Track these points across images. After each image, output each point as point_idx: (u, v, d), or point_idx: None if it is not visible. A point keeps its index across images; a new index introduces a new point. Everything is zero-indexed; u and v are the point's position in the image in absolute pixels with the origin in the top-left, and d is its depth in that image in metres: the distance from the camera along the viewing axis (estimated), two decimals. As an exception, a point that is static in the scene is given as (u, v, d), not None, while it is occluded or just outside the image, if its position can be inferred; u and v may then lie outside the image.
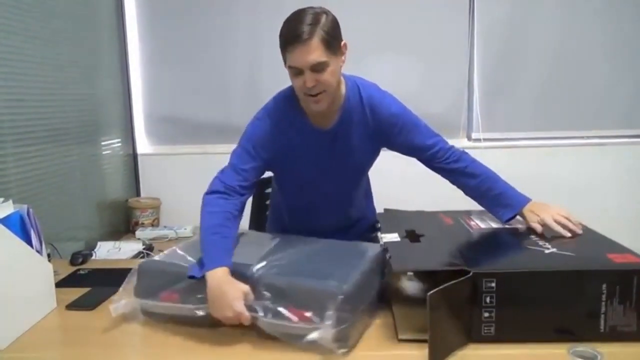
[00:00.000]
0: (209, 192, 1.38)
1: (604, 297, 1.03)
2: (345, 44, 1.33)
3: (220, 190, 1.37)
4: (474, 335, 1.05)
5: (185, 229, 2.75)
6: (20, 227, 1.22)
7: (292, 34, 1.25)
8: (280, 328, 1.06)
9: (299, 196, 1.59)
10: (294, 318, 1.04)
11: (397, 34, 2.88)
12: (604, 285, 1.03)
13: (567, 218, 1.32)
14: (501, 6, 2.84)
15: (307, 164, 1.47)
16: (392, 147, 1.50)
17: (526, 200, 1.43)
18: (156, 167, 3.05)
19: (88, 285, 1.42)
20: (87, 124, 2.53)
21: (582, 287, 1.04)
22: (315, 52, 1.24)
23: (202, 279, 1.13)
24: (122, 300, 1.19)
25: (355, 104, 1.43)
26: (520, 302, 1.04)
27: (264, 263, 1.18)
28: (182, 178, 3.02)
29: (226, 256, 1.20)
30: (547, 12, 2.83)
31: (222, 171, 1.42)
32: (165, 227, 2.80)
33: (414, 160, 1.52)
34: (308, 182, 1.52)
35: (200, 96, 2.98)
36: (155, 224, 2.89)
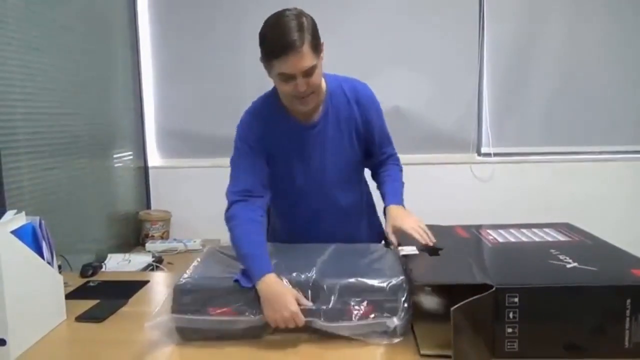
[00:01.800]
0: (227, 209, 1.38)
1: (628, 312, 1.01)
2: (323, 43, 1.33)
3: (235, 200, 1.37)
4: (497, 352, 1.03)
5: (195, 241, 2.76)
6: (32, 239, 1.23)
7: (282, 43, 1.24)
8: (343, 327, 1.12)
9: (295, 207, 1.54)
10: (360, 313, 1.12)
11: (408, 50, 2.90)
12: (628, 301, 1.01)
13: (423, 230, 1.34)
14: (510, 22, 2.85)
15: (298, 162, 1.46)
16: (367, 131, 1.50)
17: (393, 202, 1.47)
18: (167, 180, 3.07)
19: (98, 297, 1.42)
20: (100, 138, 2.56)
21: (606, 302, 1.02)
22: (306, 58, 1.25)
23: (253, 289, 1.15)
24: (159, 318, 1.16)
25: (338, 95, 1.45)
26: (543, 317, 1.02)
27: (316, 268, 1.22)
28: (192, 191, 3.04)
29: (267, 263, 1.20)
30: (556, 28, 2.84)
31: (229, 184, 1.42)
32: (175, 239, 2.82)
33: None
34: (302, 186, 1.48)
35: (211, 110, 3.01)
36: (165, 236, 2.90)
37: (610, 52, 2.82)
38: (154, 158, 3.10)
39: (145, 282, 1.56)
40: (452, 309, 0.95)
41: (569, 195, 2.82)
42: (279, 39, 1.24)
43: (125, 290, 1.48)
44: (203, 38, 2.98)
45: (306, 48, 1.25)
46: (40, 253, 1.23)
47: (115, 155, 2.74)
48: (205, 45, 2.98)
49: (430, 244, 1.30)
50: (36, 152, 2.02)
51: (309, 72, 1.28)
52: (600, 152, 2.87)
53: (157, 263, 2.25)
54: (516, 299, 1.02)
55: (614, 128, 2.86)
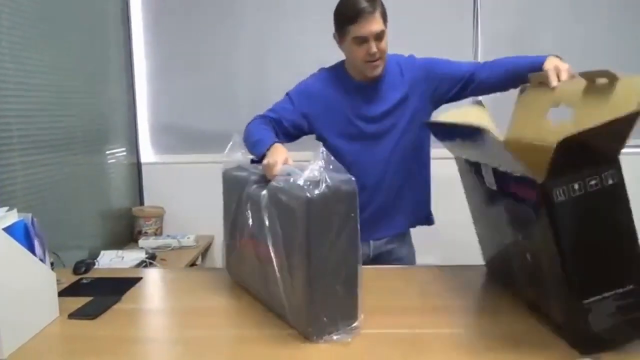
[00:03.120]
0: (253, 119, 1.62)
1: None
2: (387, 21, 1.57)
3: (257, 117, 1.62)
4: None
5: (189, 237, 2.75)
6: (24, 236, 1.22)
7: (357, 9, 1.49)
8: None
9: (349, 158, 1.62)
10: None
11: (402, 45, 2.88)
12: None
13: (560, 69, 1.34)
14: (505, 18, 2.86)
15: (353, 112, 1.64)
16: (438, 89, 1.66)
17: (540, 59, 1.48)
18: (160, 176, 3.06)
19: (91, 294, 1.41)
20: (93, 133, 2.55)
21: None
22: (377, 22, 1.51)
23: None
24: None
25: (393, 72, 1.67)
26: None
27: None
28: (185, 187, 3.03)
29: (275, 138, 1.43)
30: (550, 24, 2.85)
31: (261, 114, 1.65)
32: (168, 236, 2.81)
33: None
34: (357, 136, 1.64)
35: (205, 105, 3.00)
36: (158, 232, 2.90)
37: (604, 49, 2.83)
38: (147, 154, 3.09)
39: (139, 279, 1.55)
40: None
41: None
42: (354, 7, 1.50)
43: (118, 287, 1.48)
44: (196, 33, 2.96)
45: (377, 14, 1.50)
46: (32, 250, 1.22)
47: (108, 152, 2.72)
48: (198, 40, 2.97)
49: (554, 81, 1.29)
50: (28, 149, 2.01)
51: (379, 36, 1.52)
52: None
53: (151, 259, 2.25)
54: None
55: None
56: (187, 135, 3.03)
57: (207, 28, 2.95)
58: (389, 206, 1.72)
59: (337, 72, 1.68)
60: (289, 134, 1.64)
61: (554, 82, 1.28)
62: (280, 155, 1.25)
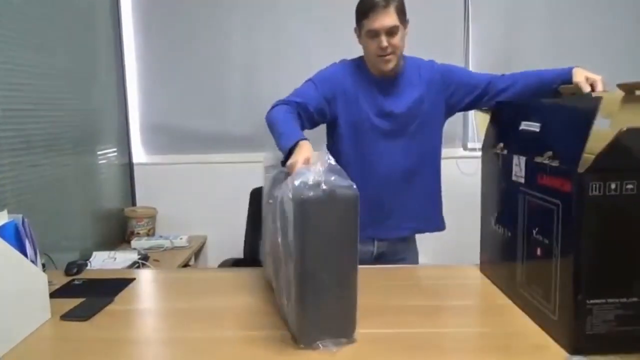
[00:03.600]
0: (276, 103, 1.59)
1: None
2: (408, 20, 1.60)
3: (279, 103, 1.58)
4: None
5: (181, 238, 2.74)
6: (15, 237, 1.21)
7: (371, 3, 1.51)
8: None
9: (358, 151, 1.65)
10: None
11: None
12: None
13: (595, 80, 1.40)
14: (495, 20, 2.88)
15: (368, 104, 1.64)
16: (454, 96, 1.68)
17: (565, 71, 1.53)
18: (152, 177, 3.04)
19: (83, 295, 1.40)
20: (84, 134, 2.53)
21: None
22: (390, 17, 1.52)
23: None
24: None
25: (412, 69, 1.69)
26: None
27: None
28: (178, 187, 3.02)
29: (299, 133, 1.39)
30: (541, 25, 2.87)
31: (286, 97, 1.62)
32: (161, 236, 2.80)
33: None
34: (369, 129, 1.64)
35: (196, 106, 2.99)
36: (150, 233, 2.88)
37: (595, 50, 2.85)
38: (139, 154, 3.07)
39: (132, 280, 1.54)
40: None
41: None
42: (369, 1, 1.52)
43: (111, 288, 1.47)
44: (188, 33, 2.95)
45: (391, 10, 1.51)
46: (23, 252, 1.21)
47: (99, 152, 2.70)
48: (190, 40, 2.95)
49: (587, 89, 1.34)
50: (18, 149, 1.99)
51: (391, 32, 1.53)
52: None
53: (143, 260, 2.24)
54: None
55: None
56: (179, 135, 3.02)
57: (198, 29, 2.94)
58: (395, 208, 1.70)
59: (357, 64, 1.70)
60: (313, 120, 1.63)
61: (587, 89, 1.33)
62: (302, 155, 1.24)
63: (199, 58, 2.96)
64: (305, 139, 1.34)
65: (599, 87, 1.32)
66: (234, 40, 2.93)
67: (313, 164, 1.07)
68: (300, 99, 1.59)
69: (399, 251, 1.79)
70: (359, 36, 1.63)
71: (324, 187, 1.01)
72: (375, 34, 1.54)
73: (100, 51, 2.76)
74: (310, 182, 1.01)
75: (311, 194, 1.01)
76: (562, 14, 2.87)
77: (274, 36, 2.91)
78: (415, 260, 1.85)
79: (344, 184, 1.03)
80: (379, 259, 1.75)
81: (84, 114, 2.55)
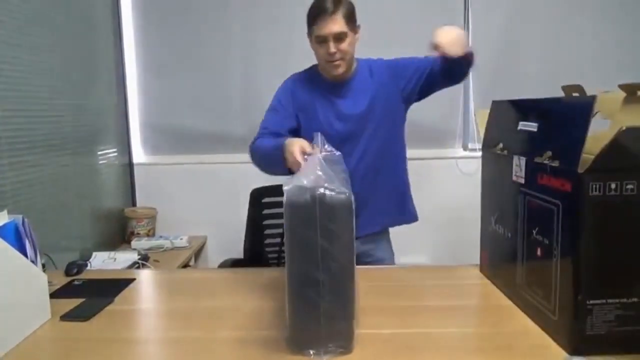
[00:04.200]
0: (252, 143, 1.63)
1: None
2: (359, 26, 1.62)
3: (254, 141, 1.62)
4: None
5: (182, 238, 2.74)
6: (15, 237, 1.21)
7: (319, 8, 1.53)
8: None
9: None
10: None
11: (394, 44, 2.90)
12: None
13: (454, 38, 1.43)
14: (496, 17, 2.87)
15: (326, 110, 1.67)
16: (407, 87, 1.70)
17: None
18: (152, 177, 3.04)
19: (83, 295, 1.40)
20: (84, 134, 2.53)
21: None
22: (338, 23, 1.53)
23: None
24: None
25: (364, 72, 1.71)
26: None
27: None
28: (178, 188, 3.02)
29: (283, 138, 1.44)
30: (542, 23, 2.87)
31: (258, 131, 1.66)
32: (161, 236, 2.80)
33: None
34: (330, 134, 1.59)
35: (197, 106, 2.99)
36: (151, 233, 2.88)
37: (597, 47, 2.86)
38: (139, 155, 3.07)
39: (132, 280, 1.54)
40: None
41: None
42: (317, 7, 1.55)
43: (111, 288, 1.47)
44: (188, 33, 2.95)
45: (339, 16, 1.53)
46: (23, 252, 1.21)
47: (99, 152, 2.70)
48: (190, 41, 2.96)
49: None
50: (18, 150, 1.99)
51: (339, 37, 1.55)
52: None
53: (143, 261, 2.24)
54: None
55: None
56: (180, 136, 3.02)
57: (198, 28, 2.94)
58: (363, 207, 1.68)
59: (309, 74, 1.73)
60: (292, 123, 1.69)
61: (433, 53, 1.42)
62: (295, 147, 1.29)
63: (200, 59, 2.96)
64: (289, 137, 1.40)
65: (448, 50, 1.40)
66: (235, 40, 2.93)
67: (314, 154, 1.06)
68: (272, 128, 1.64)
69: (372, 251, 1.80)
70: (310, 41, 1.64)
71: (317, 191, 0.99)
72: (323, 40, 1.56)
73: (101, 52, 2.76)
74: (304, 186, 1.00)
75: (302, 198, 0.99)
76: (562, 14, 2.86)
77: (275, 37, 2.91)
78: (391, 260, 1.87)
79: (338, 189, 1.00)
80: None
81: (85, 114, 2.55)
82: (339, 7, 1.53)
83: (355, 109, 1.68)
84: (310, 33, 1.61)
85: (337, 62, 1.59)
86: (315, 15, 1.54)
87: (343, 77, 1.67)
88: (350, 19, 1.58)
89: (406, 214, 1.82)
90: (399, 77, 1.70)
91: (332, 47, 1.55)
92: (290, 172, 1.39)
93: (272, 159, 1.47)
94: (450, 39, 1.44)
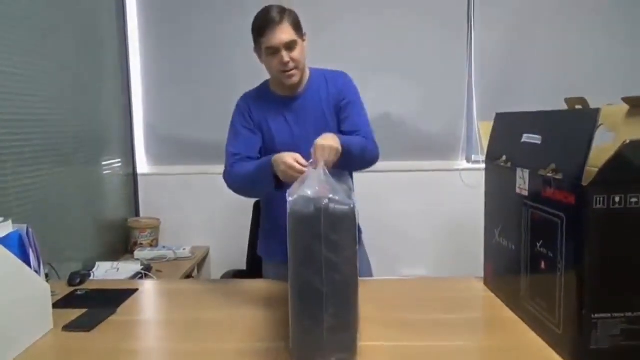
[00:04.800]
0: (225, 172, 1.62)
1: None
2: (306, 34, 1.61)
3: (232, 162, 1.60)
4: None
5: (185, 249, 2.74)
6: (19, 247, 1.22)
7: (266, 20, 1.52)
8: None
9: None
10: None
11: (398, 57, 2.92)
12: None
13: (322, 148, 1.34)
14: (499, 29, 2.89)
15: (284, 130, 1.64)
16: (337, 109, 1.68)
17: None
18: (156, 187, 3.05)
19: (85, 306, 1.40)
20: (88, 144, 2.54)
21: None
22: (287, 32, 1.52)
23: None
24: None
25: (319, 78, 1.70)
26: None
27: None
28: (181, 198, 3.02)
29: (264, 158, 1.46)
30: (545, 35, 2.88)
31: (226, 165, 1.63)
32: (164, 247, 2.79)
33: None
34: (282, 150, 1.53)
35: (201, 117, 3.00)
36: (154, 244, 2.88)
37: (600, 58, 2.86)
38: (143, 165, 3.08)
39: (134, 291, 1.54)
40: None
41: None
42: (263, 19, 1.53)
43: (113, 298, 1.47)
44: (193, 42, 2.97)
45: (286, 25, 1.52)
46: (27, 261, 1.21)
47: (103, 162, 2.71)
48: (195, 49, 2.98)
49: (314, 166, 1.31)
50: (23, 159, 2.00)
51: (290, 46, 1.54)
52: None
53: (146, 271, 2.23)
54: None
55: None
56: (184, 146, 3.03)
57: (204, 38, 2.96)
58: None
59: (259, 91, 1.73)
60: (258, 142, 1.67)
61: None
62: (287, 158, 1.31)
63: (204, 69, 2.98)
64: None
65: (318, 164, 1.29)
66: (240, 51, 2.94)
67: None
68: (245, 153, 1.61)
69: None
70: (260, 56, 1.62)
71: (322, 202, 0.99)
72: (275, 51, 1.54)
73: (106, 63, 2.78)
74: (309, 197, 1.01)
75: (306, 209, 0.99)
76: (565, 27, 2.88)
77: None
78: (367, 270, 1.83)
79: (342, 201, 1.00)
80: None
81: (89, 124, 2.57)
82: (285, 16, 1.53)
83: (305, 124, 1.65)
84: (258, 47, 1.58)
85: (292, 72, 1.57)
86: (263, 27, 1.52)
87: (296, 87, 1.65)
88: (298, 27, 1.57)
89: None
90: (342, 107, 1.67)
91: (286, 57, 1.53)
92: (278, 187, 1.39)
93: (258, 179, 1.47)
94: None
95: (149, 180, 3.06)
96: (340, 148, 1.37)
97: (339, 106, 1.67)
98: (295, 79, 1.60)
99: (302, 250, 1.00)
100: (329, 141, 1.36)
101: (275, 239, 1.72)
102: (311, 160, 1.31)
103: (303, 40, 1.60)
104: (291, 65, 1.55)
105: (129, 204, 3.00)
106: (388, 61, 2.91)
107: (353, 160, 1.50)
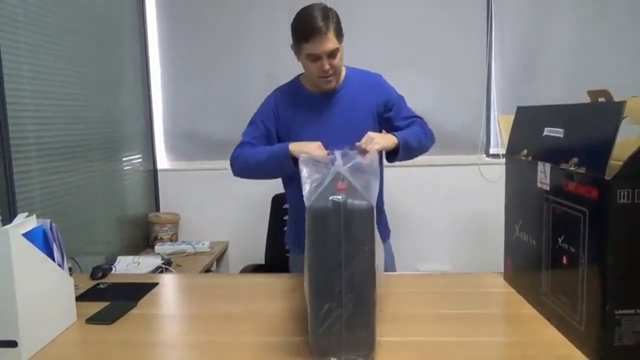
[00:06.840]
0: (235, 151, 1.69)
1: None
2: (344, 34, 1.61)
3: (236, 149, 1.68)
4: None
5: (204, 244, 2.77)
6: (43, 241, 1.24)
7: (311, 29, 1.50)
8: None
9: None
10: None
11: (416, 51, 2.90)
12: None
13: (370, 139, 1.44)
14: (518, 22, 2.84)
15: (314, 125, 1.66)
16: (385, 110, 1.72)
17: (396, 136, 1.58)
18: (176, 183, 3.08)
19: (108, 299, 1.43)
20: (109, 140, 2.58)
21: None
22: (331, 41, 1.53)
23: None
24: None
25: (354, 81, 1.71)
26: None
27: None
28: (200, 193, 3.05)
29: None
30: (565, 27, 2.83)
31: (235, 149, 1.70)
32: (183, 242, 2.83)
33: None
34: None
35: (219, 112, 3.02)
36: (173, 239, 2.91)
37: (622, 51, 2.80)
38: (163, 160, 3.11)
39: (155, 284, 1.56)
40: None
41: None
42: (308, 25, 1.51)
43: (135, 292, 1.49)
44: (211, 40, 2.99)
45: (331, 34, 1.52)
46: (51, 255, 1.24)
47: (124, 158, 2.75)
48: (213, 47, 2.99)
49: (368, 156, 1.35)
50: (46, 155, 2.04)
51: (332, 54, 1.54)
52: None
53: (166, 265, 2.26)
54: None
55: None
56: (203, 142, 3.06)
57: (222, 35, 2.98)
58: None
59: (293, 88, 1.74)
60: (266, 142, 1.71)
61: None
62: (311, 145, 1.42)
63: (222, 66, 3.00)
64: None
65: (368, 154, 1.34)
66: (257, 49, 2.96)
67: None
68: (253, 142, 1.68)
69: None
70: (297, 54, 1.62)
71: (337, 197, 0.98)
72: (316, 58, 1.55)
73: (127, 61, 2.81)
74: (327, 193, 1.00)
75: (324, 205, 0.99)
76: (586, 20, 2.82)
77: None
78: (391, 266, 1.86)
79: (360, 197, 1.00)
80: None
81: (110, 121, 2.60)
82: (330, 24, 1.52)
83: (338, 122, 1.67)
84: (299, 48, 1.58)
85: (330, 78, 1.59)
86: (309, 35, 1.51)
87: (333, 90, 1.68)
88: (340, 32, 1.57)
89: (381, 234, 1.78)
90: (388, 108, 1.72)
91: (327, 65, 1.55)
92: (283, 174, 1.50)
93: (270, 161, 1.56)
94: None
95: (168, 176, 3.09)
96: (390, 145, 1.51)
97: (387, 108, 1.71)
98: (333, 84, 1.63)
99: (320, 246, 1.00)
100: (381, 137, 1.46)
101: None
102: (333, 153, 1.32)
103: (342, 42, 1.59)
104: (331, 72, 1.57)
105: (149, 199, 3.03)
106: (407, 56, 2.89)
107: (413, 150, 1.62)
